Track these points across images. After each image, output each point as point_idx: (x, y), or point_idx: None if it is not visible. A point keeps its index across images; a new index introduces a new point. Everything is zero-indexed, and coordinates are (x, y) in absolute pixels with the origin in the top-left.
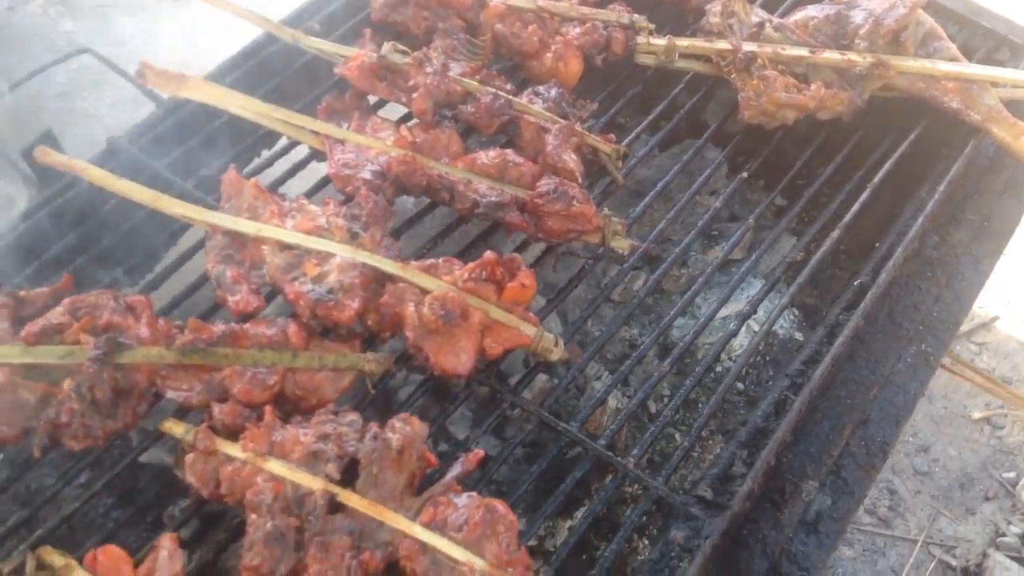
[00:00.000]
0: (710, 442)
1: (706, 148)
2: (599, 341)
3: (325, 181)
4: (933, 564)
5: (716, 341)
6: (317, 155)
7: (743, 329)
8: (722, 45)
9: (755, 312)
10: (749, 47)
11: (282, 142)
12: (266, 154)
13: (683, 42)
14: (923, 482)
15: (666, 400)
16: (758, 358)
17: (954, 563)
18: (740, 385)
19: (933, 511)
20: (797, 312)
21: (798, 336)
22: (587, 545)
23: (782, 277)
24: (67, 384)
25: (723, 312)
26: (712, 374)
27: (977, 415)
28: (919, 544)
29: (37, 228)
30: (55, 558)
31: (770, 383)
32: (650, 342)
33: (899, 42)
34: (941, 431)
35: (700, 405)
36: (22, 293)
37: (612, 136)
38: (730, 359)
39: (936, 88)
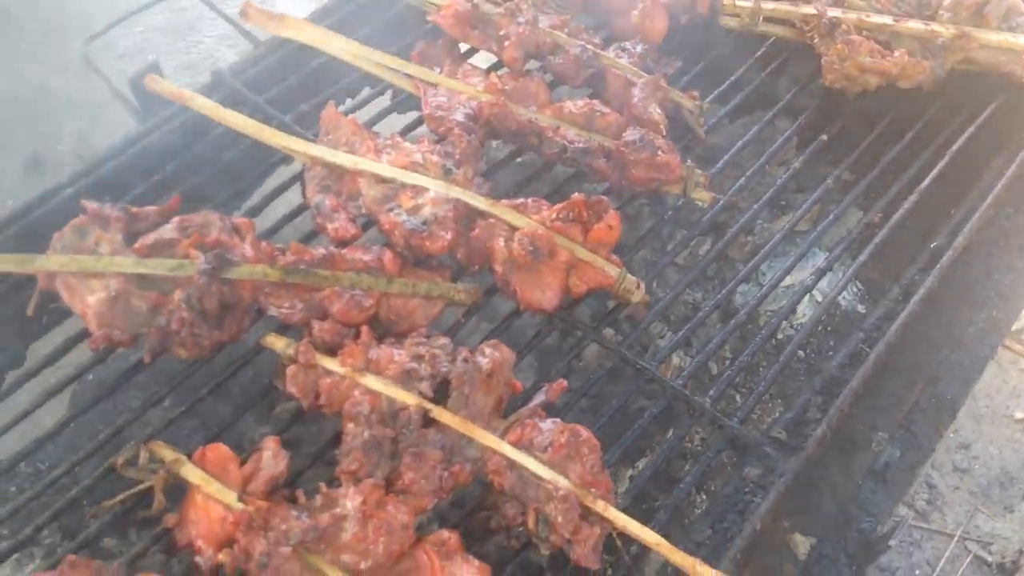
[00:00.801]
0: (770, 405)
1: (777, 119)
2: (664, 301)
3: (416, 123)
4: (969, 559)
5: (780, 309)
6: (409, 98)
7: (806, 299)
8: (807, 10)
9: (819, 282)
10: (834, 13)
11: (376, 84)
12: (361, 95)
13: (768, 4)
14: (962, 478)
15: (727, 362)
16: (819, 327)
17: (990, 559)
18: (801, 353)
19: (971, 507)
20: (860, 285)
21: (860, 309)
22: (646, 496)
23: (847, 250)
24: (177, 295)
25: (787, 281)
26: (773, 341)
27: (1020, 415)
28: (955, 539)
29: (144, 153)
30: (166, 452)
31: (830, 352)
32: (713, 305)
33: (982, 15)
34: (983, 429)
35: (761, 369)
36: (134, 209)
37: (695, 93)
38: (791, 327)
39: (1016, 63)
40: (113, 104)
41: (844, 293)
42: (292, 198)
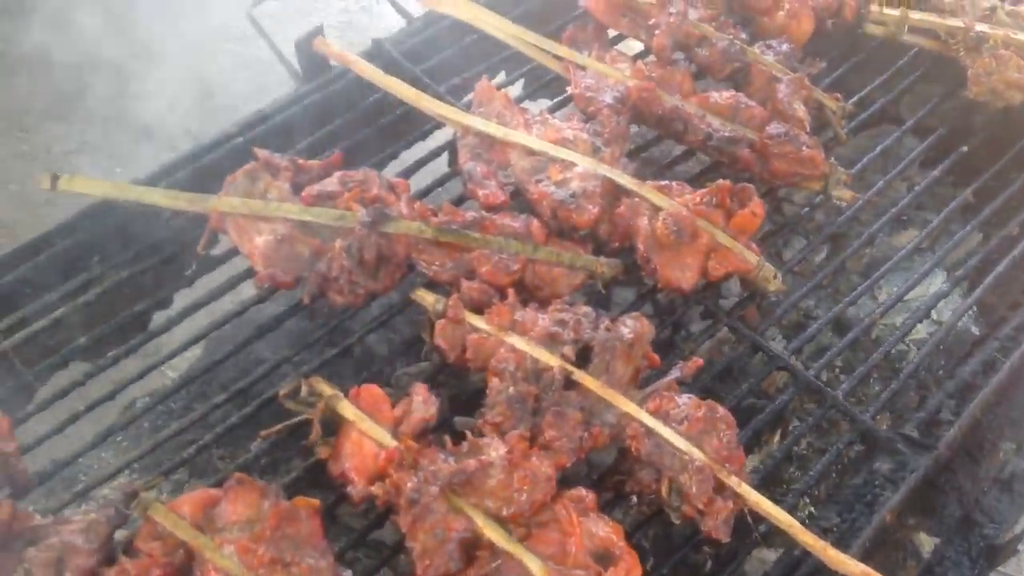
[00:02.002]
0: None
1: (907, 134)
2: (785, 304)
3: (561, 103)
4: None
5: (893, 324)
6: (556, 79)
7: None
8: (954, 23)
9: (936, 304)
10: (981, 28)
11: (525, 63)
12: (511, 73)
13: (915, 15)
14: None
15: (838, 372)
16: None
17: None
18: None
19: None
20: (975, 308)
21: (974, 330)
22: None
23: (967, 274)
24: (338, 244)
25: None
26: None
27: None
28: None
29: (306, 111)
30: (324, 387)
31: (940, 372)
32: (829, 317)
33: None
34: None
35: (871, 381)
36: (300, 161)
37: (838, 95)
38: (904, 343)
39: None
40: (274, 66)
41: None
42: (434, 167)
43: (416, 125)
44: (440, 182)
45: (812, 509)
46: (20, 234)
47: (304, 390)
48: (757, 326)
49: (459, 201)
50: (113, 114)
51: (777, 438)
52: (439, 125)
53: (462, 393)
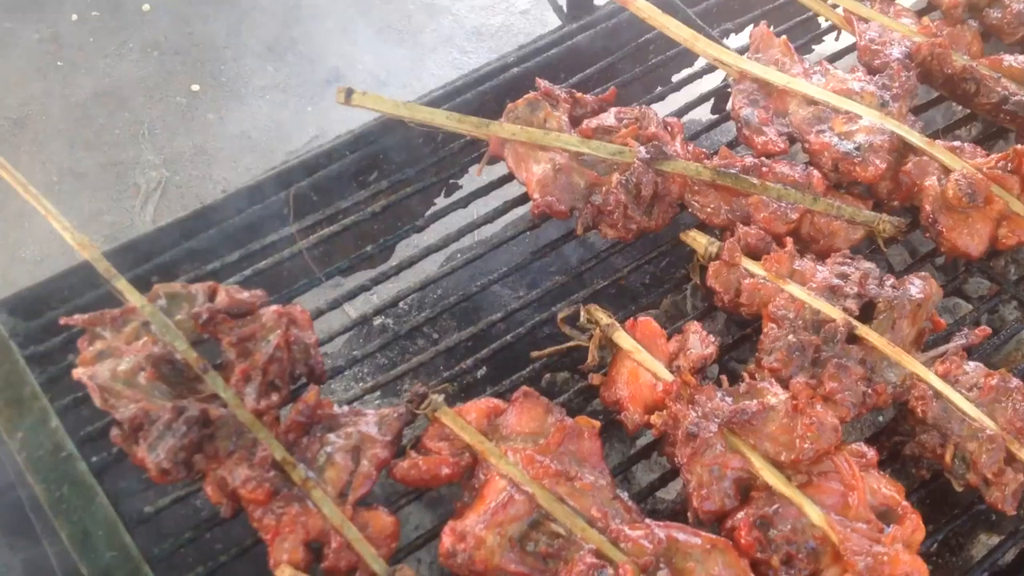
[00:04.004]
0: None
1: None
2: None
3: (839, 54)
4: None
5: None
6: (831, 28)
7: None
8: None
9: None
10: None
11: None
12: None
13: None
14: None
15: None
16: None
17: None
18: None
19: None
20: None
21: None
22: None
23: None
24: (615, 177)
25: None
26: None
27: None
28: None
29: (574, 48)
30: (601, 315)
31: None
32: None
33: None
34: None
35: None
36: (577, 94)
37: None
38: None
39: None
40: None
41: None
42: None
43: (681, 68)
44: (706, 128)
45: None
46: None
47: (583, 316)
48: None
49: (730, 147)
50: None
51: None
52: (708, 69)
53: None
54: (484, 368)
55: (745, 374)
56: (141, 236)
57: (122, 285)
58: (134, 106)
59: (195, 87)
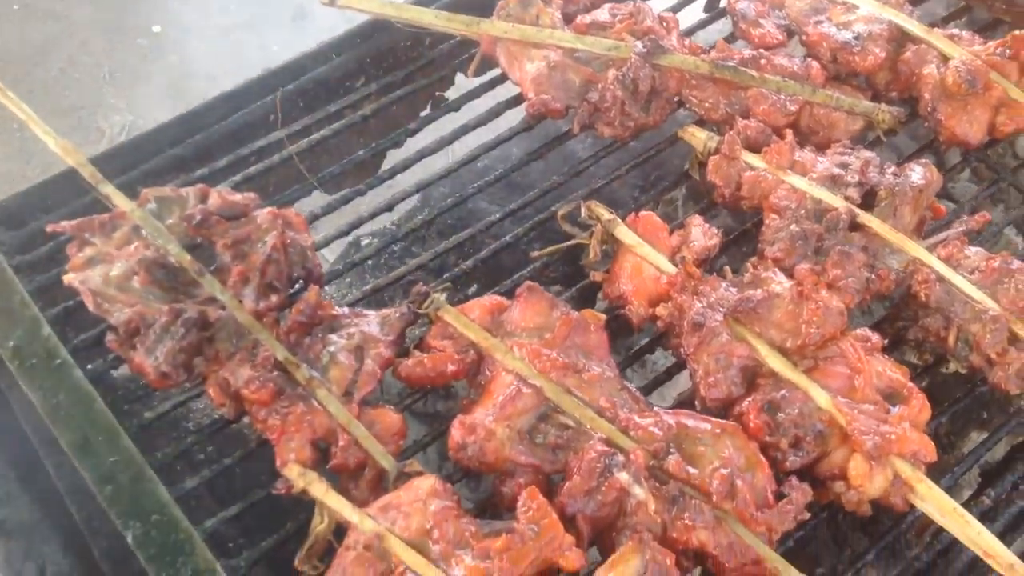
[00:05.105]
0: None
1: None
2: None
3: None
4: None
5: None
6: None
7: None
8: None
9: None
10: None
11: None
12: None
13: None
14: None
15: None
16: None
17: None
18: None
19: None
20: None
21: None
22: None
23: None
24: (611, 73)
25: None
26: None
27: None
28: None
29: None
30: (602, 211)
31: None
32: None
33: None
34: None
35: None
36: None
37: None
38: None
39: None
40: None
41: None
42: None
43: None
44: (705, 22)
45: None
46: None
47: (584, 212)
48: None
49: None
50: None
51: None
52: None
53: None
54: (482, 269)
55: (749, 265)
56: (124, 143)
57: (109, 190)
58: (94, 50)
59: (156, 28)
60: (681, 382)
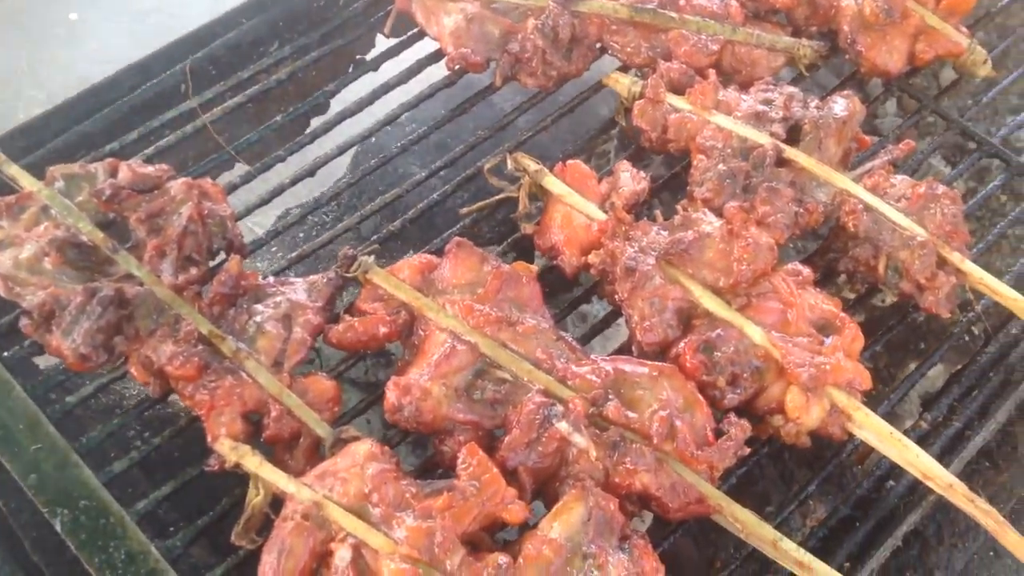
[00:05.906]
0: None
1: None
2: (991, 93)
3: None
4: None
5: None
6: None
7: None
8: None
9: None
10: None
11: None
12: None
13: None
14: None
15: None
16: None
17: None
18: None
19: None
20: None
21: None
22: None
23: None
24: (530, 23)
25: None
26: None
27: None
28: None
29: None
30: (529, 162)
31: None
32: None
33: None
34: None
35: None
36: None
37: None
38: None
39: None
40: None
41: None
42: None
43: None
44: None
45: None
46: None
47: (510, 164)
48: (964, 112)
49: None
50: None
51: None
52: None
53: None
54: (412, 230)
55: (679, 207)
56: (29, 121)
57: (14, 171)
58: (10, 41)
59: (73, 16)
60: (621, 332)
